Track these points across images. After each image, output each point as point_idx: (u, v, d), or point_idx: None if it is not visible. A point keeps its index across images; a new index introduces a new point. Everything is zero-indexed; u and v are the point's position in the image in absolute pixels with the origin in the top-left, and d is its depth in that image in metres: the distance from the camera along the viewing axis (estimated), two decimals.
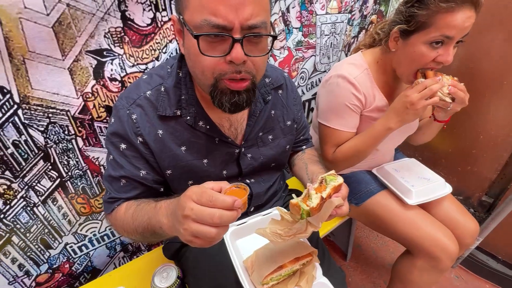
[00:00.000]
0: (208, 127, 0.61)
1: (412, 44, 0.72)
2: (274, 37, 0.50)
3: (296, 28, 1.06)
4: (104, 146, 0.77)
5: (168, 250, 0.77)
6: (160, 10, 0.74)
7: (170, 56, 0.80)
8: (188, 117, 0.60)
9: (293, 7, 1.01)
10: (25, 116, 0.65)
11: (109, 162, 0.61)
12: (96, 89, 0.72)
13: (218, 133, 0.63)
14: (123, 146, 0.58)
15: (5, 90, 0.60)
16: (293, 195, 0.54)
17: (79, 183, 0.80)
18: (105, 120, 0.76)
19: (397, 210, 0.90)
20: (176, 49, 0.81)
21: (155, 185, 0.63)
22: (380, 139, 0.81)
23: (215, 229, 0.39)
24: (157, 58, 0.78)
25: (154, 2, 0.72)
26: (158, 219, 0.48)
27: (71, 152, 0.75)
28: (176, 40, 0.80)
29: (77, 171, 0.78)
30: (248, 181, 0.72)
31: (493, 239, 1.27)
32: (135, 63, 0.75)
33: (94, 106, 0.73)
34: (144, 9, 0.71)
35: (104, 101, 0.74)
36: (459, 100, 0.71)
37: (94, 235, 0.91)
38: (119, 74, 0.74)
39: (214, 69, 0.48)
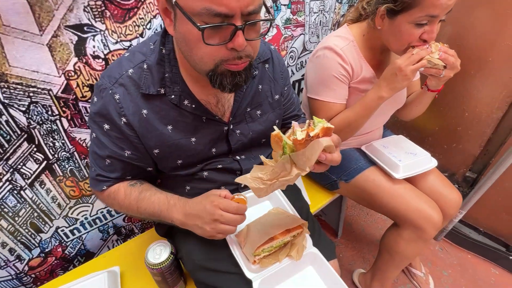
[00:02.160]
0: (194, 106, 0.60)
1: (398, 24, 0.73)
2: (272, 20, 0.49)
3: (284, 5, 1.04)
4: (87, 125, 0.76)
5: (161, 229, 0.78)
6: None
7: (155, 32, 0.77)
8: (173, 96, 0.58)
9: None
10: (4, 95, 0.62)
11: (92, 139, 0.61)
12: (79, 67, 0.69)
13: (205, 112, 0.62)
14: (106, 126, 0.57)
15: None
16: (274, 127, 0.50)
17: (66, 166, 0.79)
18: (90, 100, 0.74)
19: (385, 185, 0.92)
20: (161, 25, 0.78)
21: (141, 163, 0.63)
22: (373, 109, 0.81)
23: (234, 228, 0.58)
24: (141, 35, 0.76)
25: None
26: (171, 215, 0.60)
27: (56, 133, 0.73)
28: (161, 16, 0.77)
29: (64, 153, 0.77)
30: (238, 157, 0.72)
31: (475, 213, 1.33)
32: (119, 40, 0.72)
33: (78, 85, 0.71)
34: None
35: (88, 80, 0.72)
36: (450, 65, 0.72)
37: (86, 218, 0.90)
38: (102, 51, 0.71)
39: (215, 56, 0.48)
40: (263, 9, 0.50)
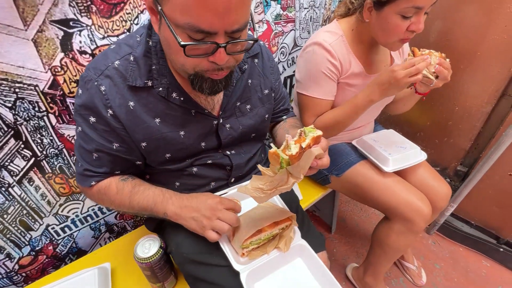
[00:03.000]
0: (182, 99, 0.60)
1: (385, 16, 0.73)
2: (255, 41, 0.50)
3: (274, 0, 1.04)
4: (73, 118, 0.75)
5: (150, 223, 0.78)
6: None
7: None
8: (161, 88, 0.58)
9: None
10: None
11: (78, 133, 0.60)
12: (65, 62, 0.69)
13: (194, 105, 0.62)
14: (92, 119, 0.57)
15: None
16: (271, 144, 0.54)
17: (55, 162, 0.78)
18: None
19: (375, 178, 0.93)
20: (148, 19, 0.78)
21: (130, 156, 0.63)
22: (362, 111, 0.82)
23: (229, 228, 0.59)
24: (128, 30, 0.75)
25: None
26: (166, 208, 0.61)
27: (43, 129, 0.73)
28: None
29: (52, 149, 0.76)
30: (228, 152, 0.72)
31: (466, 206, 1.35)
32: (105, 35, 0.72)
33: (65, 80, 0.71)
34: None
35: (75, 76, 0.72)
36: (442, 78, 0.73)
37: (77, 216, 0.90)
38: (89, 47, 0.71)
39: (197, 65, 0.50)
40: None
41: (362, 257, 1.36)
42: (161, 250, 0.65)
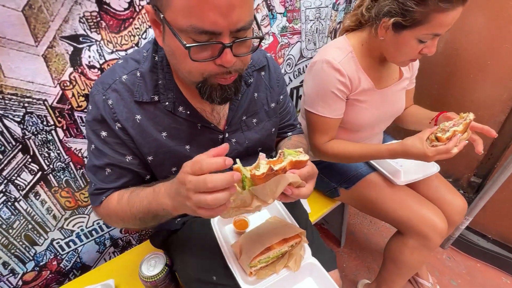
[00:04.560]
0: (188, 112, 0.60)
1: (403, 38, 0.73)
2: (261, 38, 0.49)
3: (280, 13, 1.05)
4: (85, 136, 0.75)
5: (156, 239, 0.76)
6: None
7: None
8: (167, 103, 0.58)
9: None
10: None
11: (91, 151, 0.59)
12: (74, 77, 0.70)
13: (200, 119, 0.61)
14: (103, 133, 0.57)
15: None
16: (237, 160, 0.46)
17: (62, 176, 0.78)
18: (86, 110, 0.74)
19: (386, 191, 0.90)
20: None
21: (142, 170, 0.62)
22: (377, 159, 0.83)
23: (211, 196, 0.40)
24: (136, 44, 0.76)
25: None
26: (160, 202, 0.49)
27: (51, 143, 0.73)
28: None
29: (59, 163, 0.76)
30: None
31: (482, 219, 1.29)
32: (114, 50, 0.73)
33: (73, 95, 0.71)
34: None
35: (84, 90, 0.72)
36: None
37: (82, 230, 0.89)
38: (98, 61, 0.71)
39: (204, 70, 0.48)
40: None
41: (374, 273, 1.30)
42: (166, 268, 0.63)
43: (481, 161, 1.31)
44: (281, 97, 0.77)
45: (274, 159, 0.47)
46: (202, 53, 0.45)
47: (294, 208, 0.78)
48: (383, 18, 0.72)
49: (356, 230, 1.54)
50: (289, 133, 0.83)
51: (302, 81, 1.29)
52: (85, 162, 0.80)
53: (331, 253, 0.73)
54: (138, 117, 0.57)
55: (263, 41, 1.05)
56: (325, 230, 1.51)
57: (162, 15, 0.44)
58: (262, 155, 0.48)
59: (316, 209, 1.04)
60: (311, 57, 1.26)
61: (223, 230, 0.69)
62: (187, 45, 0.43)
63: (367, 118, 0.87)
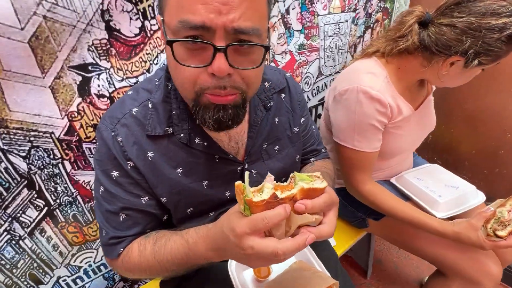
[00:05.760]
0: (206, 144, 0.54)
1: (472, 71, 0.67)
2: (267, 48, 0.42)
3: (297, 30, 0.99)
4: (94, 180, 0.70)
5: (167, 285, 0.69)
6: (149, 18, 0.68)
7: (161, 67, 0.73)
8: (182, 135, 0.52)
9: (293, 8, 0.95)
10: (3, 141, 0.58)
11: (100, 195, 0.52)
12: (83, 107, 0.66)
13: (218, 150, 0.55)
14: (115, 173, 0.51)
15: None
16: (246, 173, 0.40)
17: (69, 211, 0.73)
18: (94, 141, 0.70)
19: None
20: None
21: (159, 211, 0.55)
22: (427, 230, 0.75)
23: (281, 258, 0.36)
24: (148, 70, 0.72)
25: (142, 10, 0.66)
26: (202, 255, 0.45)
27: (58, 177, 0.68)
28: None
29: (67, 197, 0.71)
30: None
31: None
32: (124, 77, 0.69)
33: (81, 126, 0.67)
34: (131, 18, 0.65)
35: (92, 120, 0.68)
36: None
37: (90, 265, 0.83)
38: (107, 90, 0.68)
39: (195, 81, 0.42)
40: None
41: None
42: None
43: None
44: (303, 120, 0.69)
45: (284, 183, 0.39)
46: (193, 59, 0.40)
47: (321, 247, 0.69)
48: (455, 55, 0.64)
49: (383, 258, 1.40)
50: (312, 159, 0.75)
51: (321, 99, 1.22)
52: (93, 194, 0.75)
53: None
54: (150, 154, 0.51)
55: (280, 60, 1.00)
56: (349, 259, 1.38)
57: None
58: (270, 177, 0.40)
59: (342, 241, 0.94)
60: (330, 74, 1.19)
61: (241, 276, 0.61)
62: (169, 39, 0.38)
63: (403, 144, 0.79)
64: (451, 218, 0.81)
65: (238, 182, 0.37)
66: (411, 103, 0.77)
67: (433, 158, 1.37)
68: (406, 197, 0.87)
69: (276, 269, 0.59)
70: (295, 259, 0.63)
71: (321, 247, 0.69)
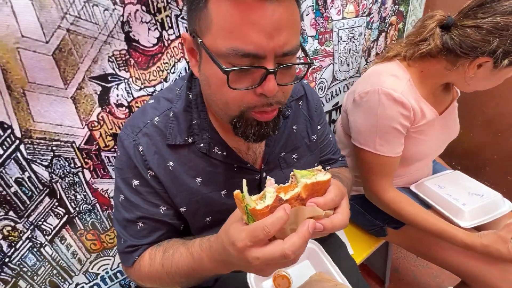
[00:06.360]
0: (225, 153, 0.54)
1: (503, 73, 0.65)
2: (310, 65, 0.44)
3: (311, 36, 0.99)
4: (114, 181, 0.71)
5: None
6: (167, 28, 0.69)
7: (179, 76, 0.74)
8: (202, 144, 0.53)
9: (307, 14, 0.94)
10: (27, 151, 0.60)
11: (119, 202, 0.54)
12: (102, 116, 0.67)
13: (236, 159, 0.55)
14: (135, 182, 0.52)
15: (6, 125, 0.56)
16: (244, 181, 0.37)
17: (88, 219, 0.74)
18: (113, 149, 0.71)
19: None
20: (185, 68, 0.75)
21: (176, 221, 0.56)
22: (451, 242, 0.73)
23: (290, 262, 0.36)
24: (165, 79, 0.73)
25: (160, 21, 0.67)
26: (209, 269, 0.45)
27: (78, 185, 0.69)
28: (185, 59, 0.74)
29: (86, 205, 0.72)
30: None
31: None
32: (142, 86, 0.70)
33: (101, 135, 0.68)
34: (149, 29, 0.66)
35: (111, 129, 0.69)
36: None
37: (107, 272, 0.84)
38: (126, 99, 0.69)
39: (242, 101, 0.43)
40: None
41: None
42: None
43: None
44: (319, 127, 0.68)
45: (286, 184, 0.38)
46: (242, 81, 0.40)
47: (341, 258, 0.67)
48: (482, 56, 0.62)
49: (401, 266, 1.36)
50: (327, 167, 0.73)
51: (334, 104, 1.21)
52: (111, 202, 0.76)
53: None
54: (171, 163, 0.52)
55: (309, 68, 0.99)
56: (365, 267, 1.35)
57: (200, 40, 0.40)
58: (270, 180, 0.39)
59: (360, 250, 0.92)
60: (344, 79, 1.17)
61: (260, 287, 0.60)
62: (226, 69, 0.38)
63: (426, 149, 0.76)
64: (476, 228, 0.78)
65: (237, 191, 0.35)
66: (436, 107, 0.75)
67: (452, 164, 1.33)
68: (427, 206, 0.84)
69: (296, 280, 0.57)
70: (315, 270, 0.62)
71: (340, 257, 0.67)
